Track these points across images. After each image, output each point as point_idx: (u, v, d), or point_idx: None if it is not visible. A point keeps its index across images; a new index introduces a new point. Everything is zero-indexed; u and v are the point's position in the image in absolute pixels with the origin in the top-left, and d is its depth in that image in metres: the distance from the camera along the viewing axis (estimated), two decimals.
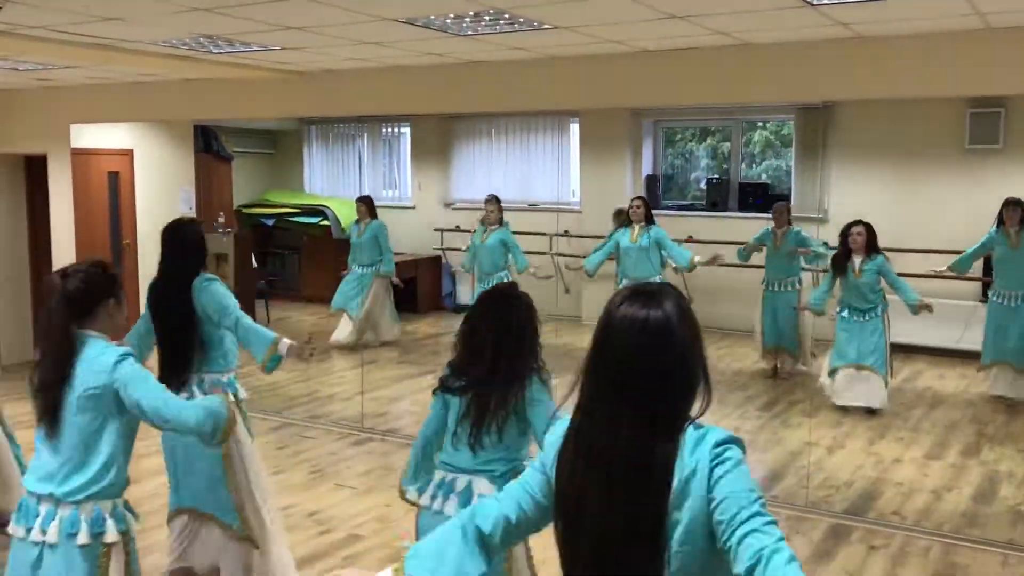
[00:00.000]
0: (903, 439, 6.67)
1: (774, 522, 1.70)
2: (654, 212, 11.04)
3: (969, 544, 4.85)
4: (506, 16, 4.92)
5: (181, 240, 4.24)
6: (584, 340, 7.42)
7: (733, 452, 1.79)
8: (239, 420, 3.87)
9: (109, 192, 9.56)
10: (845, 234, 7.30)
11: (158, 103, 8.20)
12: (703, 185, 11.10)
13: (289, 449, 6.43)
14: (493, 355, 3.03)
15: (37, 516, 2.89)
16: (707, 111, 10.82)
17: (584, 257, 10.38)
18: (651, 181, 11.13)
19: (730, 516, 1.69)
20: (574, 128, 11.37)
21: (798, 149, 10.26)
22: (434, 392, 3.22)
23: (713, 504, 1.72)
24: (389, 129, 12.83)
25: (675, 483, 1.75)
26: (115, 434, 2.93)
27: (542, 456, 1.99)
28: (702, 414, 1.85)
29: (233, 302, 4.18)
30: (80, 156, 9.08)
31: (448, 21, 5.07)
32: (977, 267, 8.14)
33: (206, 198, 10.84)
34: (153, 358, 4.23)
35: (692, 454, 1.78)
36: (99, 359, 2.91)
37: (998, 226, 7.48)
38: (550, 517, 1.96)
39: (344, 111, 9.58)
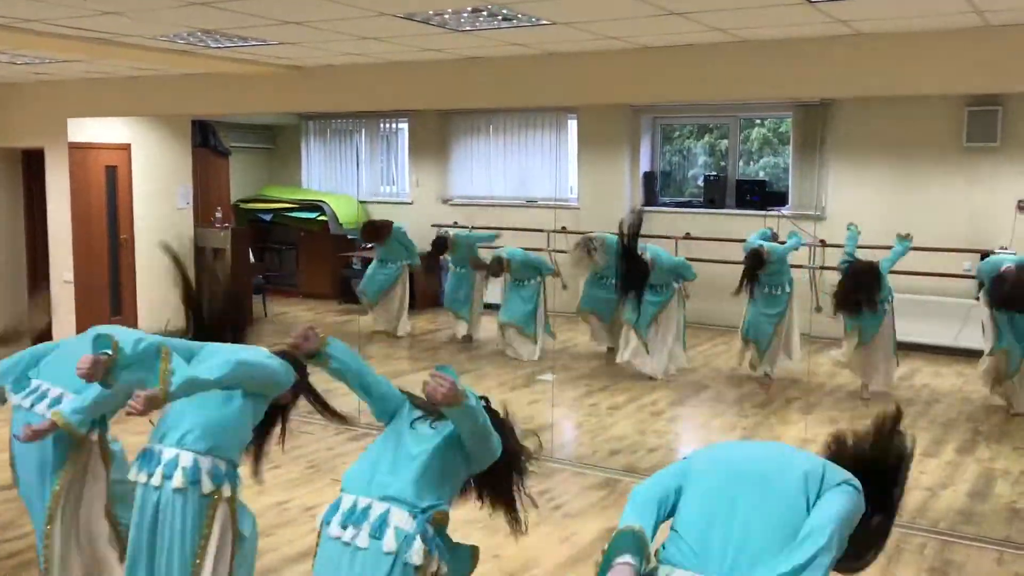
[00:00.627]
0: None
1: None
2: (651, 209, 11.08)
3: (965, 541, 4.86)
4: (504, 12, 4.92)
5: None
6: (583, 338, 7.47)
7: None
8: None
9: (106, 187, 9.56)
10: None
11: (156, 98, 8.18)
12: (700, 182, 11.10)
13: (286, 444, 6.43)
14: None
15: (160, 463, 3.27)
16: (705, 108, 10.82)
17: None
18: (649, 178, 11.13)
19: None
20: (572, 125, 11.37)
21: (796, 146, 10.26)
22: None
23: None
24: (387, 125, 12.83)
25: None
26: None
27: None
28: None
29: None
30: (77, 150, 9.06)
31: (446, 16, 5.07)
32: (973, 265, 8.16)
33: (204, 193, 10.83)
34: None
35: None
36: None
37: None
38: None
39: (342, 107, 9.57)
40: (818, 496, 2.31)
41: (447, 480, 2.92)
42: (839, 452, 2.62)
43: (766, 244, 8.08)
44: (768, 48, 5.57)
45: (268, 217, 12.58)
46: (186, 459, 3.26)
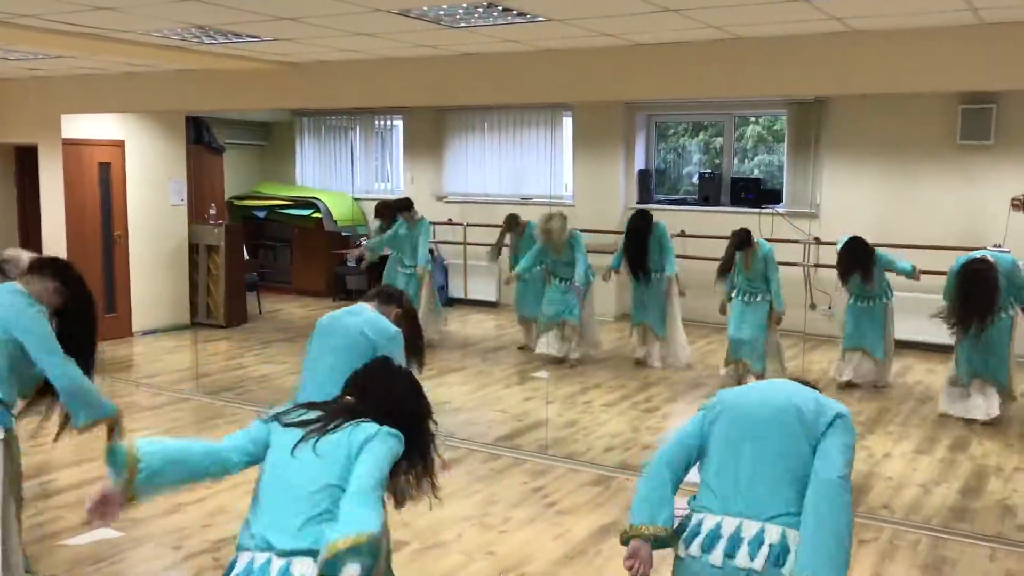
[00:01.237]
0: (893, 433, 6.70)
1: None
2: (647, 206, 11.08)
3: (958, 538, 4.87)
4: (499, 8, 4.92)
5: None
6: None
7: None
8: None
9: (100, 183, 9.53)
10: None
11: (150, 94, 8.16)
12: (695, 180, 11.11)
13: None
14: None
15: None
16: (700, 105, 10.82)
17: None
18: (643, 175, 11.14)
19: None
20: (567, 122, 11.37)
21: (790, 144, 10.27)
22: None
23: None
24: (381, 121, 12.81)
25: None
26: None
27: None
28: None
29: None
30: (71, 147, 9.04)
31: (441, 12, 5.06)
32: None
33: (197, 190, 10.81)
34: None
35: None
36: None
37: None
38: None
39: (336, 103, 9.56)
40: (816, 426, 2.62)
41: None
42: None
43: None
44: (763, 45, 5.58)
45: (262, 214, 12.55)
46: None
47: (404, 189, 12.39)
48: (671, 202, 11.12)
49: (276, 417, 2.63)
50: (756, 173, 11.09)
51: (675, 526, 2.69)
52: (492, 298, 11.23)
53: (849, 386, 7.72)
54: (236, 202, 12.56)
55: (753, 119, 11.30)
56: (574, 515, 5.15)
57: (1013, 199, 7.23)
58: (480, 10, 5.00)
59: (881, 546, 4.78)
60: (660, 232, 8.46)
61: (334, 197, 12.37)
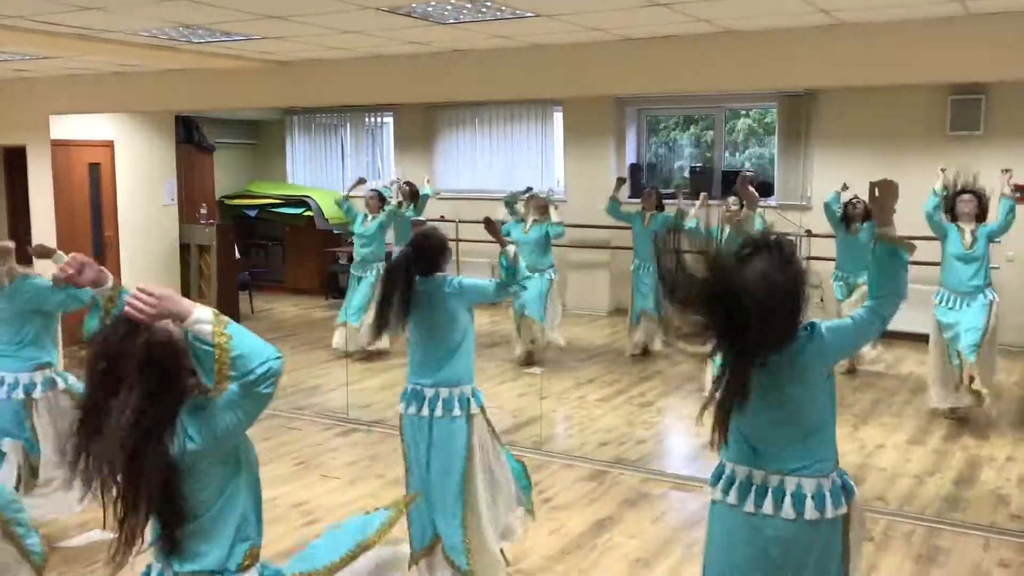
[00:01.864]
0: (886, 425, 6.72)
1: None
2: (638, 201, 11.07)
3: (951, 528, 4.90)
4: (488, 4, 4.91)
5: None
6: (572, 331, 7.48)
7: None
8: None
9: (90, 184, 9.50)
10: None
11: (139, 94, 8.13)
12: (686, 173, 11.11)
13: (274, 440, 6.42)
14: None
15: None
16: (690, 99, 10.83)
17: (567, 246, 10.41)
18: (635, 169, 11.13)
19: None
20: (558, 117, 11.36)
21: (781, 137, 10.28)
22: None
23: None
24: (372, 119, 12.79)
25: None
26: None
27: None
28: None
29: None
30: (60, 148, 9.00)
31: (430, 9, 5.05)
32: None
33: (188, 189, 10.78)
34: None
35: None
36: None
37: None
38: None
39: (327, 101, 9.54)
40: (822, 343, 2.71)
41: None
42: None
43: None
44: (752, 38, 5.58)
45: (253, 213, 12.52)
46: None
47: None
48: (662, 196, 11.11)
49: None
50: (747, 166, 11.09)
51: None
52: None
53: (850, 372, 7.79)
54: (227, 201, 12.52)
55: (744, 112, 11.31)
56: (569, 510, 5.16)
57: (1004, 171, 7.19)
58: (468, 6, 4.99)
59: (876, 537, 4.80)
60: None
61: (325, 195, 12.34)
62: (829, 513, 2.71)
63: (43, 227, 8.96)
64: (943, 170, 6.85)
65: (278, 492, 5.42)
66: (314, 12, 5.10)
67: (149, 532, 2.31)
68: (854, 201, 7.78)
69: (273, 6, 4.97)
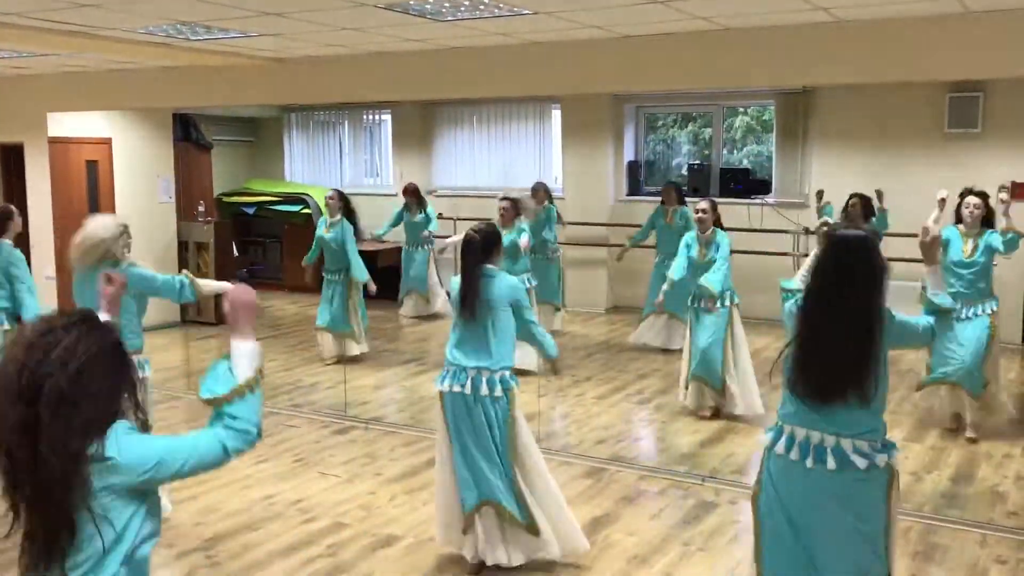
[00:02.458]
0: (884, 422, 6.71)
1: None
2: (635, 198, 11.08)
3: (949, 524, 4.90)
4: (486, 1, 4.90)
5: None
6: (571, 326, 7.51)
7: None
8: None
9: (88, 181, 9.49)
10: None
11: (136, 91, 8.12)
12: (685, 171, 11.11)
13: (272, 438, 6.41)
14: None
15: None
16: (688, 97, 10.82)
17: (565, 244, 10.40)
18: (633, 167, 11.14)
19: None
20: (556, 114, 11.36)
21: (779, 134, 10.28)
22: None
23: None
24: (370, 116, 12.78)
25: None
26: None
27: None
28: None
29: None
30: (58, 145, 8.99)
31: (427, 6, 5.05)
32: None
33: (186, 187, 10.76)
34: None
35: None
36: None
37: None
38: None
39: (325, 98, 9.53)
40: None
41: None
42: None
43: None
44: (750, 36, 5.58)
45: (251, 210, 12.51)
46: None
47: (393, 184, 12.37)
48: (660, 194, 11.11)
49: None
50: (745, 164, 11.10)
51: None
52: None
53: None
54: (225, 199, 12.51)
55: (742, 110, 11.31)
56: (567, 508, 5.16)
57: (1001, 186, 7.21)
58: (466, 3, 4.99)
59: None
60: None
61: (323, 193, 12.32)
62: (878, 463, 3.12)
63: (41, 225, 8.95)
64: (943, 200, 6.73)
65: (276, 489, 5.42)
66: (312, 9, 5.10)
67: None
68: (852, 202, 7.69)
69: (271, 3, 4.97)
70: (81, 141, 9.37)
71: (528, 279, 8.07)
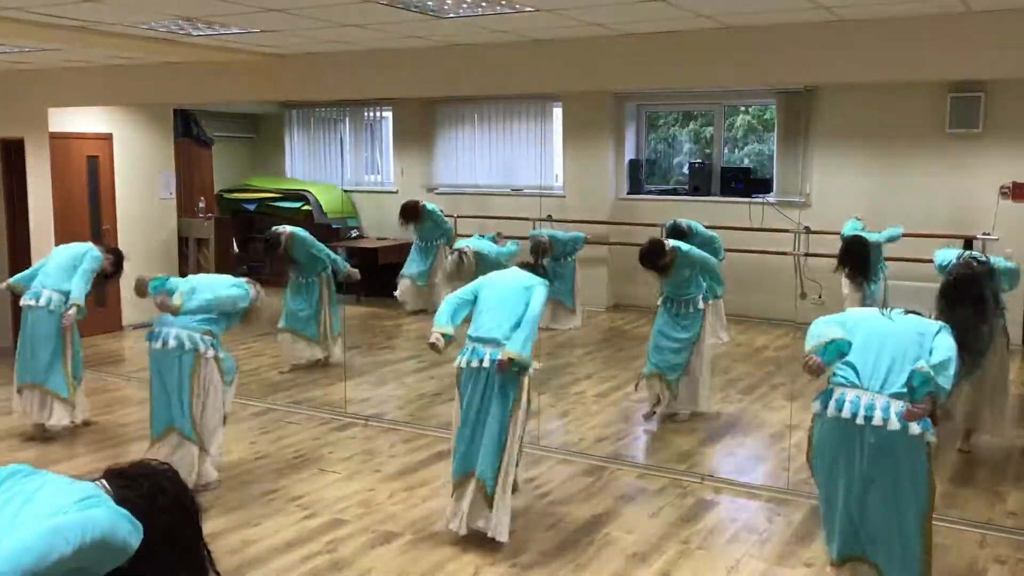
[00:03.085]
0: None
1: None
2: (637, 197, 11.08)
3: (948, 524, 4.90)
4: None
5: None
6: (569, 324, 7.48)
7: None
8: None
9: (88, 177, 9.49)
10: None
11: (137, 87, 8.11)
12: (686, 170, 11.11)
13: (272, 434, 6.42)
14: None
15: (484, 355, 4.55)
16: (689, 95, 10.82)
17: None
18: (634, 166, 11.14)
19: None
20: (557, 112, 11.35)
21: (780, 133, 10.28)
22: None
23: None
24: (371, 113, 12.77)
25: None
26: None
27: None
28: None
29: None
30: (58, 140, 8.98)
31: (429, 2, 5.04)
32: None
33: (186, 183, 10.76)
34: None
35: None
36: None
37: None
38: None
39: (325, 95, 9.52)
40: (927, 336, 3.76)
41: None
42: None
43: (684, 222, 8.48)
44: (752, 35, 5.57)
45: (252, 207, 12.50)
46: None
47: (394, 181, 12.37)
48: (661, 192, 11.12)
49: None
50: (746, 163, 11.10)
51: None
52: None
53: None
54: (225, 195, 12.51)
55: (743, 108, 11.30)
56: (566, 505, 5.16)
57: (1002, 186, 7.22)
58: (468, 0, 4.99)
59: None
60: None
61: (324, 189, 12.34)
62: (913, 430, 3.63)
63: (41, 220, 8.94)
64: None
65: (277, 486, 5.42)
66: (313, 5, 5.09)
67: None
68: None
69: None
70: (82, 137, 9.36)
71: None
